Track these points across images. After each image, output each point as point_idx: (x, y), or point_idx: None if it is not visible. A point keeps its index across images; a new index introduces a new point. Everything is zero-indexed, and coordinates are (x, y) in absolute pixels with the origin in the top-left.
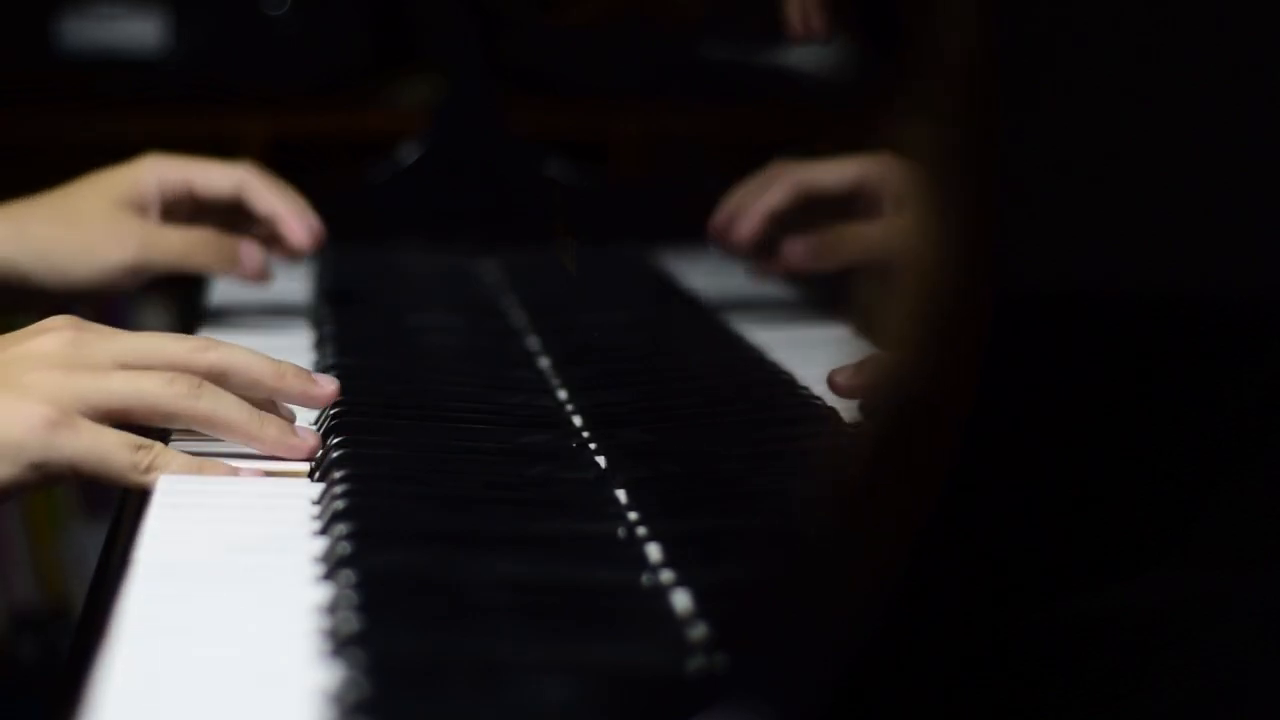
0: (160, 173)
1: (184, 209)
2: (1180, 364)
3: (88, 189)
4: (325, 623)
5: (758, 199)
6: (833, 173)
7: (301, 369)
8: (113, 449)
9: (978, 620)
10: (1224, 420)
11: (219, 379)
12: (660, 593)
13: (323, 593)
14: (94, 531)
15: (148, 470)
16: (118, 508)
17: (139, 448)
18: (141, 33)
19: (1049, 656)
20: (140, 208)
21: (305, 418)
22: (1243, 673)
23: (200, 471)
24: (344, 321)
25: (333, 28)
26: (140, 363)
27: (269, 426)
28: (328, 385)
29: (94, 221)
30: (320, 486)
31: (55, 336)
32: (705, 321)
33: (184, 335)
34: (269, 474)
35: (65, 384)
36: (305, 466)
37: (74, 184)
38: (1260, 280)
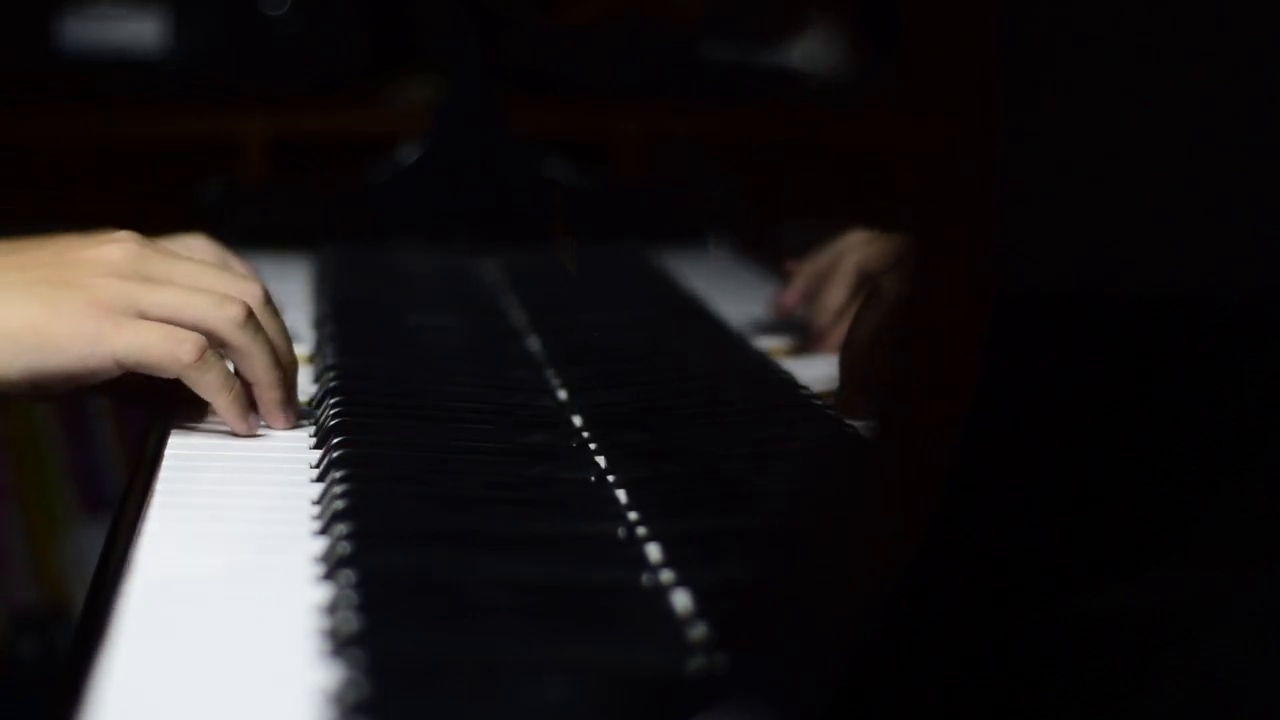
0: None
1: None
2: (1180, 364)
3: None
4: (325, 623)
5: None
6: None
7: (292, 394)
8: (155, 342)
9: (978, 620)
10: (1224, 420)
11: (224, 348)
12: (660, 593)
13: (323, 593)
14: (94, 531)
15: (190, 365)
16: (118, 508)
17: (182, 342)
18: (141, 33)
19: (1049, 656)
20: None
21: (303, 413)
22: (1243, 673)
23: (233, 394)
24: (344, 321)
25: (333, 28)
26: (193, 285)
27: (279, 389)
28: (287, 421)
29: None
30: (320, 486)
31: (119, 247)
32: (705, 321)
33: (239, 275)
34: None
35: (121, 289)
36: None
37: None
38: (1260, 280)
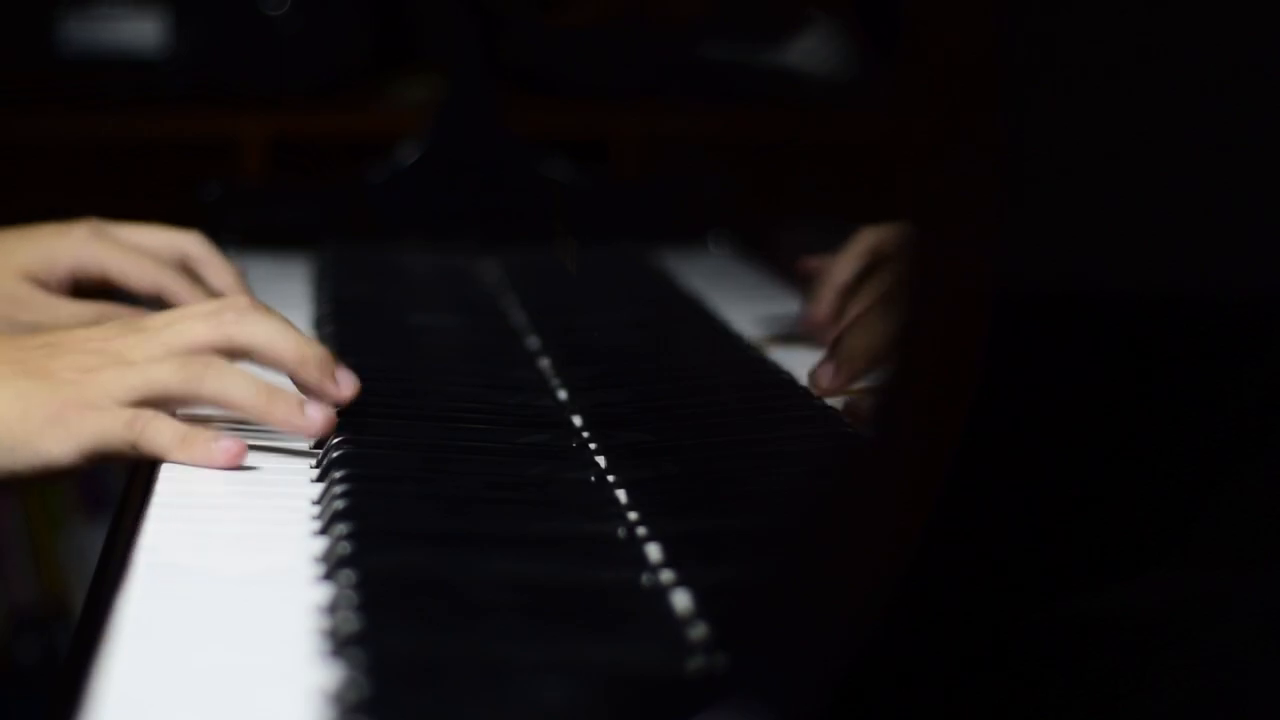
0: (78, 254)
1: (95, 284)
2: (1180, 364)
3: None
4: (325, 623)
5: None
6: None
7: (328, 358)
8: (103, 429)
9: (978, 620)
10: (1224, 420)
11: (240, 354)
12: (660, 593)
13: (323, 593)
14: (94, 531)
15: (136, 441)
16: (118, 508)
17: (131, 422)
18: (142, 33)
19: (1049, 656)
20: (43, 281)
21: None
22: (1243, 673)
23: (184, 443)
24: (344, 321)
25: (333, 28)
26: (165, 353)
27: (277, 405)
28: (346, 387)
29: None
30: (320, 486)
31: (94, 331)
32: (705, 321)
33: (214, 306)
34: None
35: (94, 383)
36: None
37: None
38: (1260, 280)
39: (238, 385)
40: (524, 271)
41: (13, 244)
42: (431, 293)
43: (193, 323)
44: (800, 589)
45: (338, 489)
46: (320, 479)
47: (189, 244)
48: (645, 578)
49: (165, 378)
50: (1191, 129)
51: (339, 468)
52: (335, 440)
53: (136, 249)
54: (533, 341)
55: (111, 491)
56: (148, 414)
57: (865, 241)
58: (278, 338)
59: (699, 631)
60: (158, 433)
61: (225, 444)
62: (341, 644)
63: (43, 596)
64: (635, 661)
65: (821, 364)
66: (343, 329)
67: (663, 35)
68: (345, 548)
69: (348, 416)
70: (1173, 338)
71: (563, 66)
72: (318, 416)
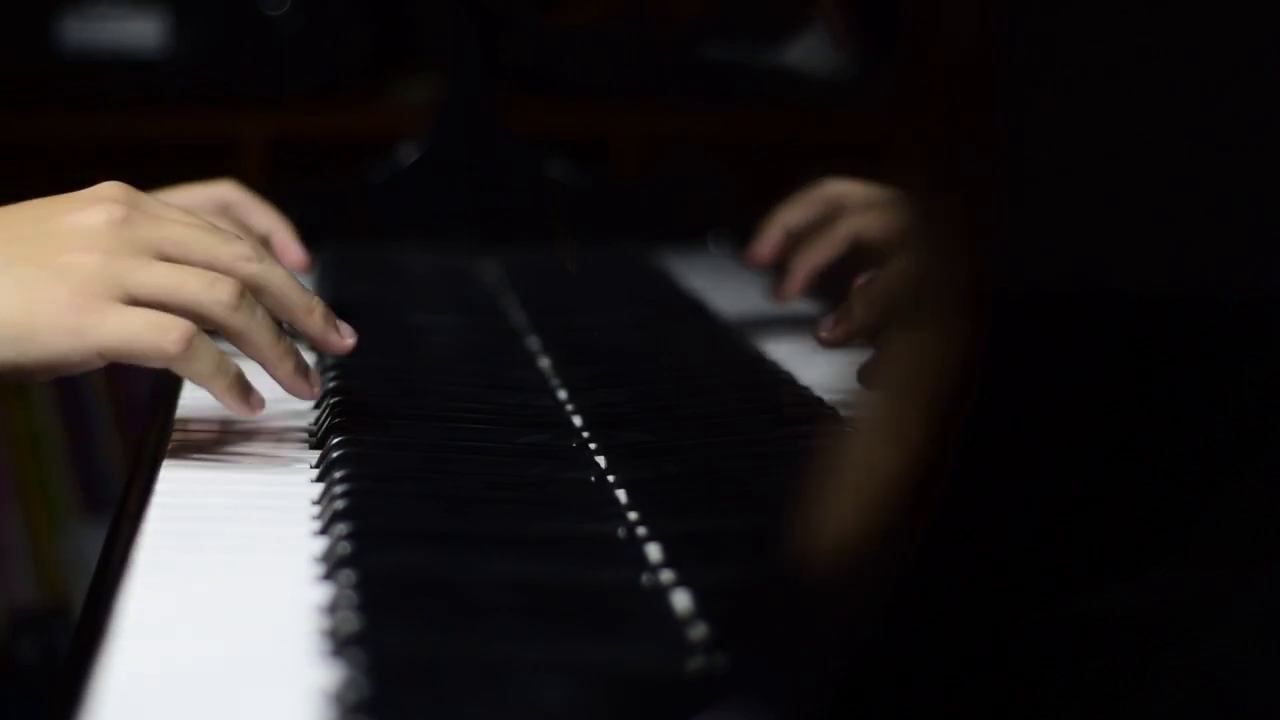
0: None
1: None
2: (1180, 364)
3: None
4: (325, 623)
5: (781, 213)
6: (865, 193)
7: (329, 312)
8: (138, 332)
9: (978, 620)
10: (1224, 420)
11: (254, 293)
12: (660, 593)
13: (323, 593)
14: (94, 531)
15: (173, 355)
16: (118, 508)
17: (167, 331)
18: (142, 33)
19: (1049, 656)
20: None
21: (303, 413)
22: (1243, 673)
23: (223, 373)
24: (344, 321)
25: (333, 28)
26: (183, 256)
27: (288, 360)
28: (348, 337)
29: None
30: (320, 486)
31: (103, 211)
32: (705, 321)
33: (232, 235)
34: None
35: (103, 267)
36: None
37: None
38: (1260, 280)
39: (261, 326)
40: (524, 271)
41: (35, 217)
42: (431, 293)
43: (216, 241)
44: (800, 589)
45: (338, 489)
46: (320, 479)
47: (227, 192)
48: (645, 578)
49: (197, 290)
50: (1191, 129)
51: (339, 468)
52: (335, 440)
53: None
54: (533, 341)
55: (111, 491)
56: (185, 325)
57: (822, 190)
58: (290, 282)
59: (699, 631)
60: (199, 354)
61: (257, 397)
62: (341, 644)
63: (43, 596)
64: (635, 661)
65: (824, 317)
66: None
67: (663, 35)
68: (345, 548)
69: (348, 416)
70: (1173, 338)
71: (563, 66)
72: (317, 383)
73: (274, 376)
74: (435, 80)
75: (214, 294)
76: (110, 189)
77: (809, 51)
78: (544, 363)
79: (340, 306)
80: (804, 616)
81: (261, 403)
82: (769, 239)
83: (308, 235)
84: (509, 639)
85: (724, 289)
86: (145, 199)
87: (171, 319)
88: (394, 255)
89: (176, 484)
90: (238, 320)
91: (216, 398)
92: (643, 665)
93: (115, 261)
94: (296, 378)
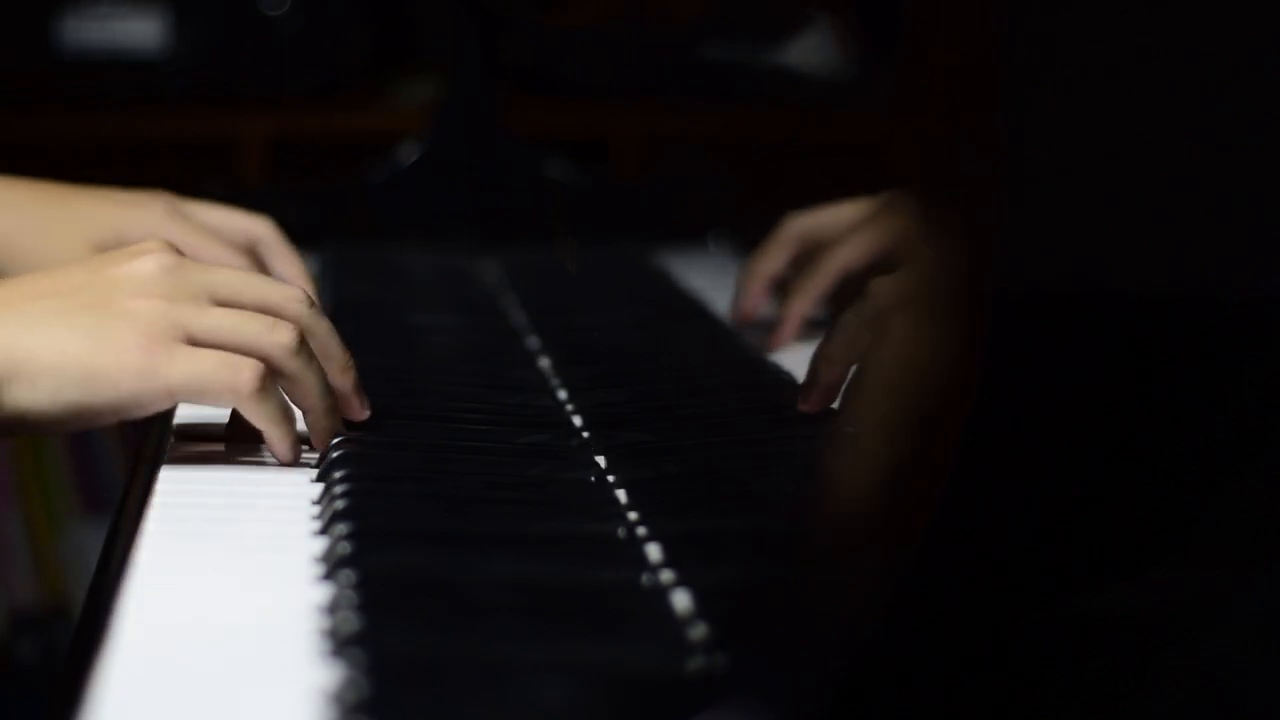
0: (153, 230)
1: None
2: (1180, 364)
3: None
4: (325, 623)
5: (757, 265)
6: (833, 220)
7: (338, 420)
8: (211, 371)
9: (978, 620)
10: (1224, 420)
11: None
12: (660, 593)
13: (323, 593)
14: (94, 531)
15: (250, 395)
16: (118, 508)
17: (240, 370)
18: (142, 33)
19: (1049, 656)
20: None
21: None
22: (1243, 673)
23: (287, 422)
24: (344, 321)
25: (333, 28)
26: (236, 300)
27: (330, 416)
28: (365, 409)
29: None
30: (320, 486)
31: (153, 260)
32: (705, 321)
33: (278, 281)
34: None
35: (166, 312)
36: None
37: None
38: (1260, 280)
39: (315, 376)
40: (524, 271)
41: (86, 209)
42: (431, 293)
43: (268, 287)
44: (800, 589)
45: (338, 489)
46: (320, 479)
47: (260, 229)
48: (645, 578)
49: (258, 332)
50: (1191, 129)
51: (339, 468)
52: (335, 440)
53: (211, 231)
54: (533, 341)
55: (111, 491)
56: (258, 365)
57: (789, 230)
58: (333, 334)
59: (699, 631)
60: (271, 396)
61: (300, 448)
62: (341, 644)
63: (43, 596)
64: (635, 661)
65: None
66: (343, 329)
67: (663, 35)
68: (345, 548)
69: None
70: (1173, 338)
71: (563, 66)
72: (366, 409)
73: (311, 426)
74: (435, 80)
75: (275, 337)
76: (153, 243)
77: (809, 51)
78: (544, 363)
79: (340, 306)
80: (804, 616)
81: (300, 455)
82: (751, 293)
83: (308, 235)
84: (509, 639)
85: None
86: (184, 255)
87: (243, 359)
88: (394, 255)
89: (176, 484)
90: (295, 365)
91: (273, 443)
92: (643, 665)
93: (175, 305)
94: (328, 433)
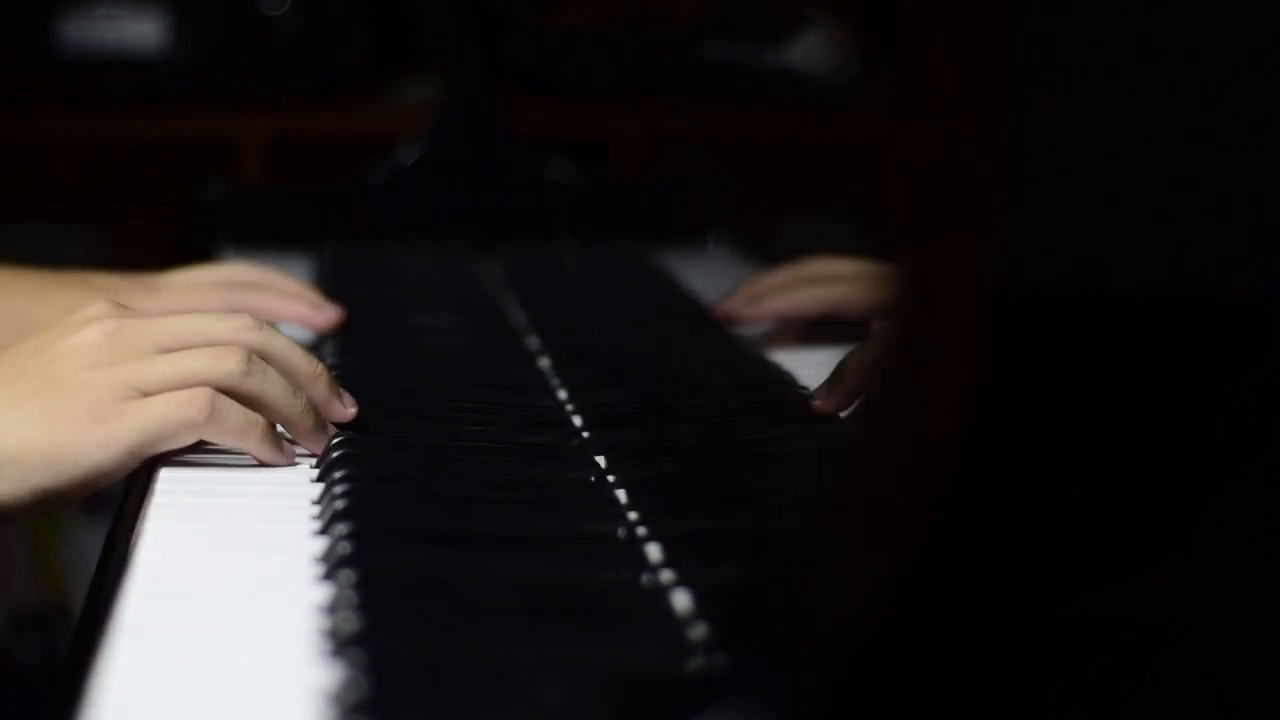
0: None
1: None
2: (1180, 364)
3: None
4: (325, 623)
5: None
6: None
7: (333, 379)
8: (161, 415)
9: (978, 620)
10: (1224, 420)
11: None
12: (660, 593)
13: (323, 593)
14: (94, 531)
15: (206, 422)
16: (118, 508)
17: (189, 402)
18: (142, 33)
19: (1049, 656)
20: None
21: None
22: (1243, 673)
23: (255, 428)
24: (344, 321)
25: (333, 28)
26: (182, 343)
27: (309, 416)
28: (350, 407)
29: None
30: (320, 486)
31: (96, 329)
32: (705, 321)
33: (226, 314)
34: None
35: (112, 376)
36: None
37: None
38: (1260, 280)
39: (276, 385)
40: (524, 271)
41: (32, 351)
42: (431, 293)
43: (212, 322)
44: (800, 589)
45: (338, 489)
46: (320, 479)
47: (239, 273)
48: (645, 578)
49: (205, 365)
50: (1191, 129)
51: (339, 468)
52: (335, 440)
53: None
54: (533, 341)
55: (111, 491)
56: (204, 391)
57: (807, 269)
58: (293, 349)
59: (699, 631)
60: (226, 413)
61: (290, 446)
62: (341, 644)
63: (43, 596)
64: (635, 661)
65: (820, 388)
66: (343, 329)
67: (663, 35)
68: (345, 548)
69: None
70: (1173, 338)
71: (563, 66)
72: (350, 407)
73: (295, 434)
74: (435, 80)
75: (223, 366)
76: (95, 308)
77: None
78: (544, 363)
79: (340, 306)
80: (804, 616)
81: (293, 452)
82: (742, 300)
83: (308, 235)
84: (509, 639)
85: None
86: (129, 307)
87: (188, 391)
88: (394, 255)
89: (176, 484)
90: (252, 384)
91: (253, 453)
92: (643, 665)
93: (121, 368)
94: (316, 433)
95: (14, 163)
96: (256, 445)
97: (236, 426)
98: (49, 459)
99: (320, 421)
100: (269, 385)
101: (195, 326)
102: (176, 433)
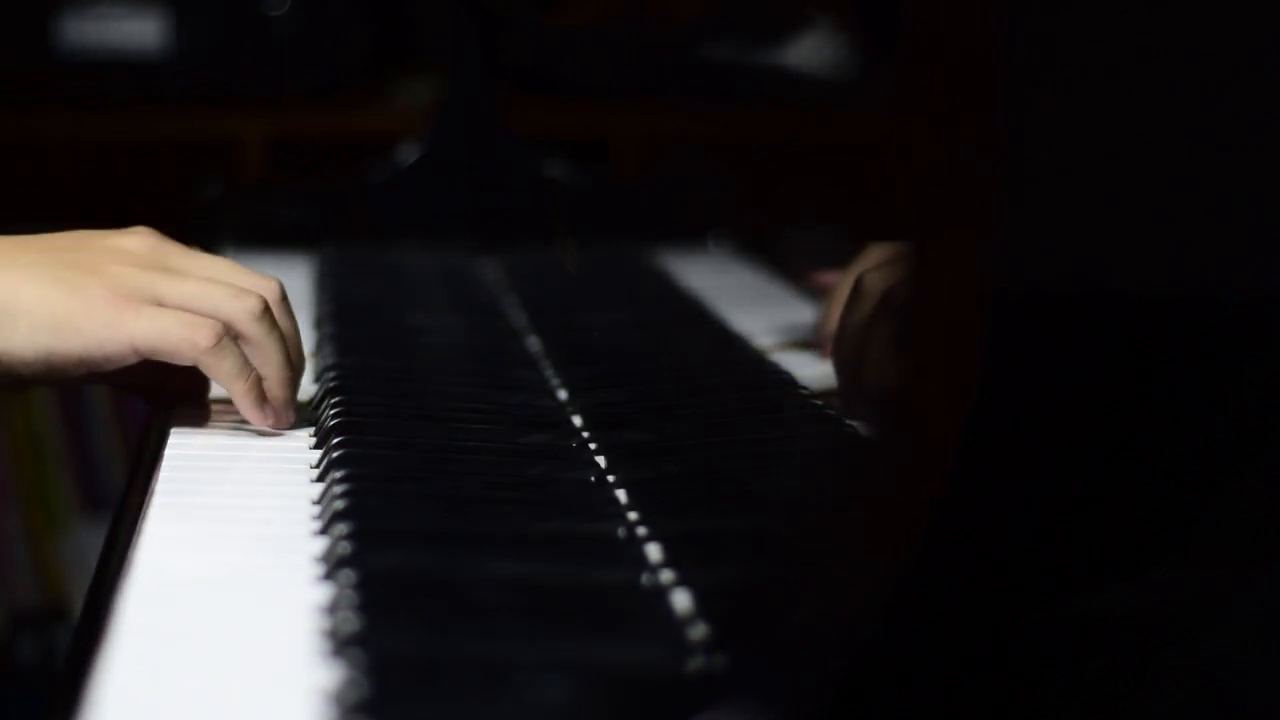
0: None
1: None
2: (1180, 364)
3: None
4: (325, 623)
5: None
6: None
7: (293, 393)
8: (170, 327)
9: (978, 620)
10: (1224, 420)
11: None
12: (660, 593)
13: (323, 593)
14: (94, 531)
15: (207, 350)
16: (118, 508)
17: (199, 328)
18: (142, 33)
19: (1049, 656)
20: None
21: (303, 414)
22: (1243, 673)
23: (246, 377)
24: (344, 321)
25: (333, 28)
26: (210, 278)
27: (290, 388)
28: (284, 420)
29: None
30: (320, 486)
31: (138, 238)
32: (705, 321)
33: (257, 274)
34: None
35: (138, 276)
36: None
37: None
38: (1260, 280)
39: (278, 343)
40: (524, 271)
41: (76, 238)
42: (431, 293)
43: (242, 272)
44: (800, 589)
45: (338, 489)
46: (320, 479)
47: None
48: (645, 578)
49: (223, 297)
50: (1191, 129)
51: (339, 468)
52: (335, 440)
53: None
54: (533, 341)
55: (111, 491)
56: (216, 324)
57: (856, 267)
58: (298, 338)
59: (699, 631)
60: (227, 353)
61: (270, 410)
62: (341, 644)
63: (43, 596)
64: (635, 661)
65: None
66: (343, 329)
67: (663, 35)
68: (345, 548)
69: (348, 416)
70: (1173, 338)
71: (563, 66)
72: (285, 422)
73: (268, 394)
74: (435, 80)
75: (239, 303)
76: (142, 227)
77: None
78: (544, 363)
79: (340, 306)
80: (804, 616)
81: (271, 416)
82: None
83: (308, 235)
84: (509, 639)
85: (724, 289)
86: (169, 239)
87: (202, 319)
88: (394, 255)
89: (176, 484)
90: (258, 330)
91: (236, 400)
92: (643, 665)
93: (150, 273)
94: (284, 406)
95: (14, 163)
96: (242, 393)
97: (232, 369)
98: (58, 323)
99: (291, 401)
100: (272, 339)
101: (228, 270)
102: (179, 348)
